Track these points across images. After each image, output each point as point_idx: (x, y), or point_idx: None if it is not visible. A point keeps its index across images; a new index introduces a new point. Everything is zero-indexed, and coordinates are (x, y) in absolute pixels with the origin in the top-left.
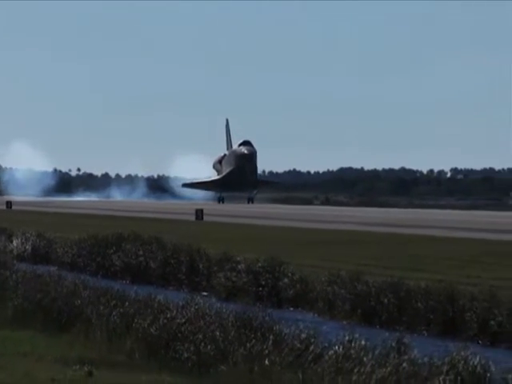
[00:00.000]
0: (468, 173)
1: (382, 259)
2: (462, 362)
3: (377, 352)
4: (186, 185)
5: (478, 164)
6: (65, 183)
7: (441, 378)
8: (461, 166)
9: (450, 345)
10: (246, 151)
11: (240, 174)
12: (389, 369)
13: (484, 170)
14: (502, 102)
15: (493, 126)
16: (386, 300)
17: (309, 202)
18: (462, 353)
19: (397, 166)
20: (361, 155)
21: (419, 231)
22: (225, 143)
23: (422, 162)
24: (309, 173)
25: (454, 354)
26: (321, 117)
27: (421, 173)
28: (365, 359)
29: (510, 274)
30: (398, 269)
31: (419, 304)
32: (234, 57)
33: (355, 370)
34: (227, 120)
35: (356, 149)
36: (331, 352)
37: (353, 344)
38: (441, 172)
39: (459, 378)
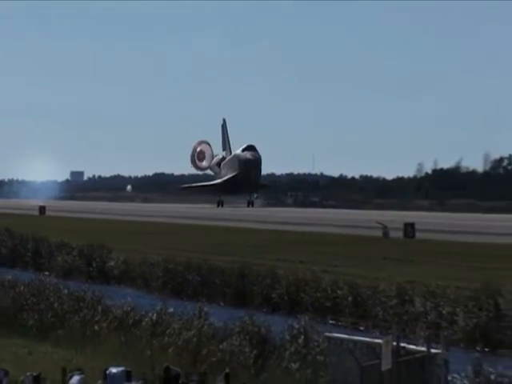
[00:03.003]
0: None
1: (191, 245)
2: (251, 325)
3: (183, 318)
4: (185, 188)
5: (263, 169)
6: None
7: (234, 338)
8: None
9: (242, 312)
10: (251, 157)
11: (244, 180)
12: (193, 331)
13: (267, 175)
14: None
15: (262, 137)
16: (190, 277)
17: (131, 200)
18: (250, 318)
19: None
20: (171, 162)
21: (217, 223)
22: (218, 144)
23: None
24: (130, 177)
25: (244, 319)
26: (140, 129)
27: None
28: (174, 324)
29: (289, 256)
30: (202, 252)
31: (217, 280)
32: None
33: (166, 333)
34: (224, 120)
35: (167, 156)
36: (147, 319)
37: (164, 312)
38: None
39: (248, 337)
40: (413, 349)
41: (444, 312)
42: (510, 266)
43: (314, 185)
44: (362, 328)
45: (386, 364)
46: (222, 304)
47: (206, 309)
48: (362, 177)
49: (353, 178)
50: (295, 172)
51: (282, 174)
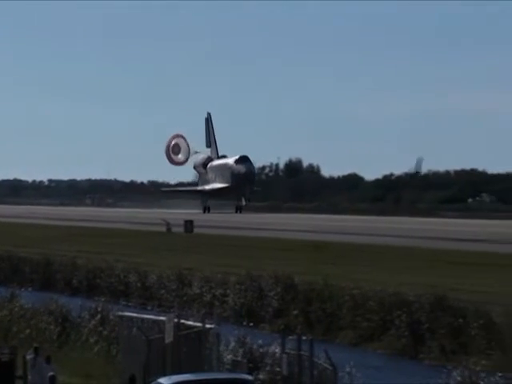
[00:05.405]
0: (59, 182)
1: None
2: (54, 306)
3: None
4: (167, 191)
5: (65, 175)
6: None
7: (40, 317)
8: (54, 177)
9: (47, 295)
10: (245, 170)
11: (235, 191)
12: (5, 312)
13: (77, 179)
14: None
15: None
16: (3, 266)
17: None
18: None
19: (11, 177)
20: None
21: (23, 220)
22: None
23: (29, 174)
24: None
25: (48, 301)
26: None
27: (27, 182)
28: None
29: (87, 248)
30: (10, 245)
31: (26, 269)
32: None
33: None
34: (209, 114)
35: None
36: None
37: None
38: (40, 182)
39: (52, 316)
40: (191, 324)
41: (217, 294)
42: (272, 255)
43: (108, 189)
44: (149, 308)
45: (168, 337)
46: (30, 289)
47: (16, 293)
48: (149, 182)
49: (142, 183)
50: (93, 178)
51: (81, 180)
